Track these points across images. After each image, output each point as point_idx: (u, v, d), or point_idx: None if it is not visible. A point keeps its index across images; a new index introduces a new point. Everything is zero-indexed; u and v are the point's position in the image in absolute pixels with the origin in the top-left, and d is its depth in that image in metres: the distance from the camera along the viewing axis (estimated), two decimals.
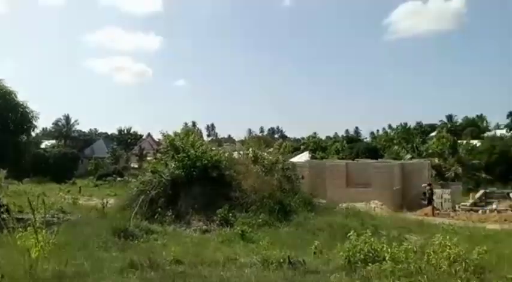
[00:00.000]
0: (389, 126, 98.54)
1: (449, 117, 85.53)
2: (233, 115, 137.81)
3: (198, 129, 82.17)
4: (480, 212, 18.55)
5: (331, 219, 13.88)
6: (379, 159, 35.93)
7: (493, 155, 47.91)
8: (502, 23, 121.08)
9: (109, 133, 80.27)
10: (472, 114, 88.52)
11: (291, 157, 40.80)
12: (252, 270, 8.01)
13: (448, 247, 7.96)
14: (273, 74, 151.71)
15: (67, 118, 61.02)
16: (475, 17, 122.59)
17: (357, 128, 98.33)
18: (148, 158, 64.22)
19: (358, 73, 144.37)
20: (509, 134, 66.28)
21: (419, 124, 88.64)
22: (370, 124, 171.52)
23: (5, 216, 10.91)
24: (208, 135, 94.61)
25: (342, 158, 51.77)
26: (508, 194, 25.51)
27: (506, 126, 77.81)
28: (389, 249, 7.63)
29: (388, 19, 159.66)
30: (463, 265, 7.23)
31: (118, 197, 23.75)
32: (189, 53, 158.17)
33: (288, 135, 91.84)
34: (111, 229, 12.09)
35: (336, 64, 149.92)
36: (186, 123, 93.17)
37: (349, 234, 10.24)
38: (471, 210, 19.19)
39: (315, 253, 9.09)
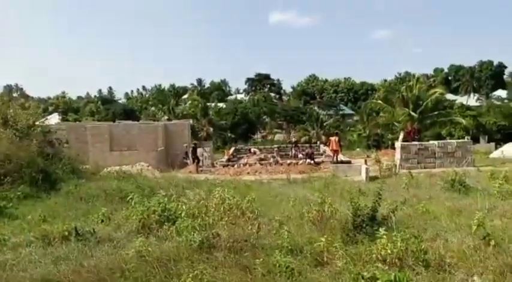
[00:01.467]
0: (144, 88, 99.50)
1: (199, 81, 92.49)
2: None
3: None
4: (236, 166, 21.19)
5: (104, 185, 13.22)
6: (141, 121, 35.92)
7: (236, 116, 54.99)
8: None
9: None
10: (217, 79, 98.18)
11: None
12: (30, 250, 6.95)
13: (228, 199, 8.91)
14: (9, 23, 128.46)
15: None
16: None
17: (110, 88, 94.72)
18: None
19: (108, 29, 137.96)
20: (247, 98, 76.97)
21: (172, 86, 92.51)
22: (123, 85, 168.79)
23: None
24: None
25: (99, 120, 49.41)
26: (249, 149, 29.97)
27: (244, 90, 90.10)
28: (183, 207, 7.94)
29: None
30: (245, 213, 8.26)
31: None
32: None
33: (30, 94, 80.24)
34: None
35: (86, 20, 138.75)
36: None
37: (129, 197, 10.12)
38: (228, 165, 21.67)
39: (102, 221, 8.56)
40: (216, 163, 23.26)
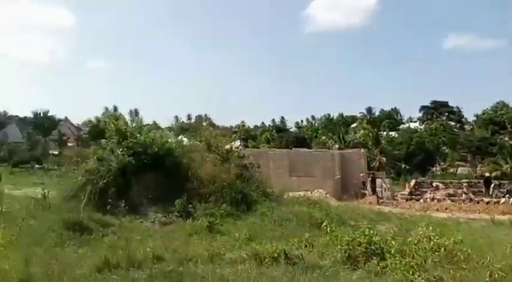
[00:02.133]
0: (313, 117, 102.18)
1: (369, 110, 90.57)
2: (156, 100, 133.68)
3: (120, 114, 77.91)
4: (422, 200, 19.65)
5: (296, 209, 13.69)
6: (312, 149, 36.82)
7: (411, 146, 51.61)
8: (411, 21, 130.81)
9: (21, 116, 72.86)
10: (387, 107, 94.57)
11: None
12: (245, 267, 7.44)
13: (434, 237, 8.08)
14: (198, 59, 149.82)
15: None
16: (386, 13, 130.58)
17: (282, 117, 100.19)
18: (70, 144, 59.81)
19: (281, 64, 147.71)
20: (423, 126, 71.88)
21: (341, 115, 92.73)
22: (294, 114, 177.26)
23: None
24: (132, 121, 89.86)
25: (274, 147, 52.55)
26: (431, 183, 27.51)
27: (418, 119, 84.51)
28: (393, 242, 7.53)
29: (307, 11, 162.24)
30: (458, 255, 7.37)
31: (48, 186, 21.69)
32: (105, 30, 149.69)
33: (216, 123, 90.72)
34: (61, 222, 10.76)
35: (259, 53, 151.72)
36: (107, 108, 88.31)
37: (323, 225, 10.10)
38: (411, 199, 20.26)
39: (306, 246, 8.74)
40: (396, 196, 21.99)
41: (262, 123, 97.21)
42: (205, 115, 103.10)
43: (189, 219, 13.29)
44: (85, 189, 13.42)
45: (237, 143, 58.02)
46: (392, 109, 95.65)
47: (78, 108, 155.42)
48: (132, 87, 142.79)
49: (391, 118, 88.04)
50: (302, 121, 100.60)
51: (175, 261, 7.78)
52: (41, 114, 59.59)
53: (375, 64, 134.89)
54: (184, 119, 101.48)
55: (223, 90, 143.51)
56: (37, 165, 43.57)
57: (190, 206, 13.75)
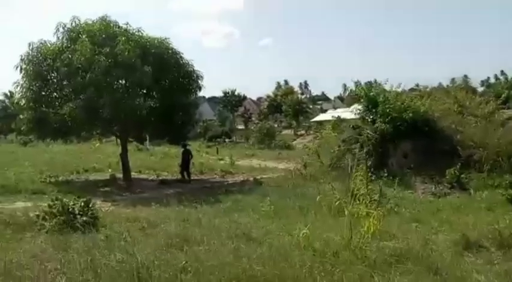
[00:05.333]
0: (502, 72, 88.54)
1: None
2: (323, 71, 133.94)
3: (292, 87, 79.96)
4: None
5: None
6: None
7: None
8: None
9: (206, 96, 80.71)
10: None
11: None
12: None
13: None
14: (361, 26, 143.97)
15: None
16: None
17: (465, 76, 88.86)
18: (252, 119, 63.83)
19: (451, 13, 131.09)
20: None
21: None
22: (471, 71, 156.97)
23: None
24: (302, 94, 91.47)
25: None
26: None
27: None
28: None
29: None
30: None
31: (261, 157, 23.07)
32: (273, 10, 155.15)
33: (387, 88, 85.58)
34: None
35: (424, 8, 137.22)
36: (278, 83, 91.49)
37: None
38: None
39: None
40: None
41: (440, 83, 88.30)
42: (375, 80, 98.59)
43: (465, 190, 11.86)
44: (344, 158, 13.06)
45: None
46: None
47: (254, 84, 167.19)
48: (298, 61, 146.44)
49: None
50: (489, 78, 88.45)
51: None
52: (230, 93, 64.77)
53: None
54: (353, 87, 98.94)
55: (390, 53, 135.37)
56: (227, 139, 47.38)
57: (463, 176, 12.25)
